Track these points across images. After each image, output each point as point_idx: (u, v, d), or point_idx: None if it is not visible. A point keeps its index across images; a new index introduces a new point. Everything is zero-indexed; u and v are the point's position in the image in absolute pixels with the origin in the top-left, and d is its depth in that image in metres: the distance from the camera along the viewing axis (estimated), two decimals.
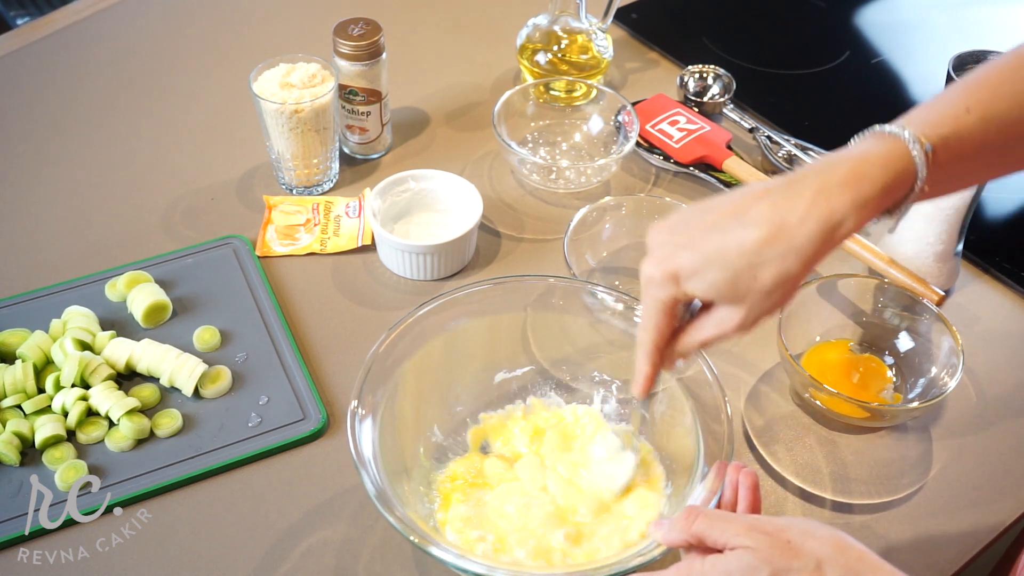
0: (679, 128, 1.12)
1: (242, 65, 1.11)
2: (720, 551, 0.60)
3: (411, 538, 0.66)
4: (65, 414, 0.83)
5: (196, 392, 0.86)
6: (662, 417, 0.80)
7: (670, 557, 0.65)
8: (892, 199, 0.60)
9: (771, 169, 1.10)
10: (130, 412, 0.83)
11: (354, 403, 0.72)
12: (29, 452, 0.82)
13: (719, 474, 0.68)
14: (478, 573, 0.65)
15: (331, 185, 1.09)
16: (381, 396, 0.75)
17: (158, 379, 0.87)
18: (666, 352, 0.67)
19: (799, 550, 0.58)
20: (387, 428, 0.75)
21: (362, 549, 0.77)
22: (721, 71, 1.19)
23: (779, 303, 0.61)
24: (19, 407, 0.83)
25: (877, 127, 0.62)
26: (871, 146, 0.60)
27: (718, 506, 0.67)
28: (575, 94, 1.17)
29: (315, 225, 1.03)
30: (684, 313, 0.66)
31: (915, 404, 0.85)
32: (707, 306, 0.64)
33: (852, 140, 0.64)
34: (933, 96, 0.65)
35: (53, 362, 0.87)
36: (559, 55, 1.18)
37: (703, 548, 0.62)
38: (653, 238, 0.64)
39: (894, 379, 0.89)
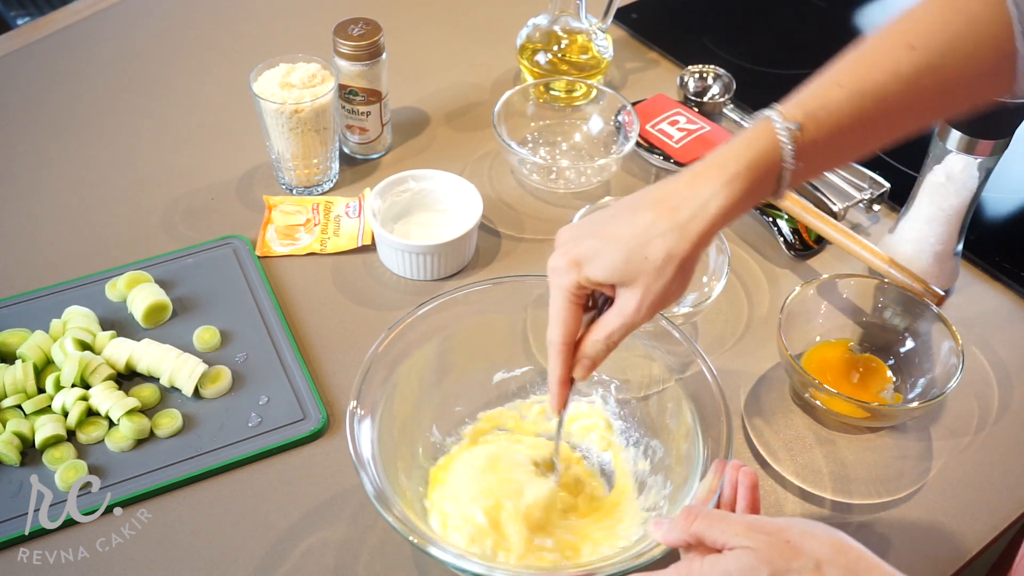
0: (679, 128, 1.12)
1: (242, 65, 1.11)
2: (719, 551, 0.60)
3: (410, 538, 0.66)
4: (65, 414, 0.83)
5: (196, 392, 0.86)
6: (661, 416, 0.80)
7: (669, 557, 0.65)
8: (761, 173, 0.64)
9: None
10: (130, 412, 0.83)
11: (353, 403, 0.72)
12: (29, 452, 0.82)
13: (718, 473, 0.68)
14: (477, 573, 0.65)
15: (331, 185, 1.09)
16: (380, 396, 0.75)
17: (158, 379, 0.87)
18: (576, 354, 0.69)
19: (798, 550, 0.58)
20: (386, 428, 0.75)
21: (362, 549, 0.77)
22: (721, 71, 1.19)
23: (672, 284, 0.65)
24: (19, 407, 0.84)
25: (759, 111, 0.66)
26: (743, 133, 0.65)
27: (717, 506, 0.67)
28: (575, 94, 1.17)
29: (315, 225, 1.03)
30: (591, 315, 0.69)
31: (915, 404, 0.85)
32: (610, 302, 0.68)
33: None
34: (816, 74, 0.67)
35: (53, 362, 0.87)
36: (559, 55, 1.18)
37: (702, 548, 0.62)
38: (559, 236, 0.68)
39: (894, 379, 0.89)
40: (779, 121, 0.64)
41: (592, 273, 0.65)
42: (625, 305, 0.66)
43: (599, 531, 0.75)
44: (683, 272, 0.64)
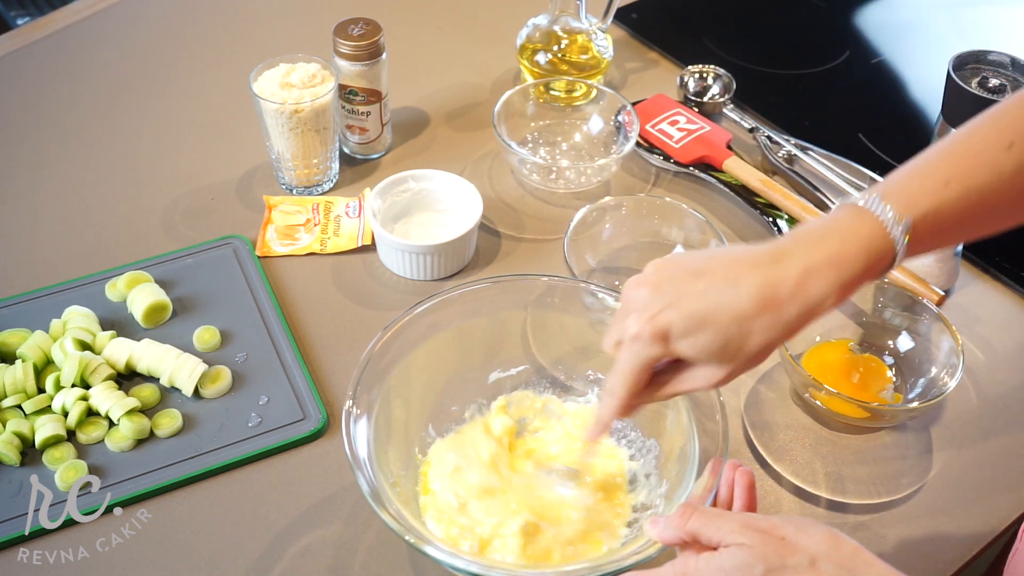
0: (679, 128, 1.12)
1: (242, 65, 1.11)
2: (715, 549, 0.60)
3: (406, 538, 0.66)
4: (65, 414, 0.83)
5: (196, 392, 0.86)
6: (658, 415, 0.80)
7: (665, 555, 0.65)
8: (872, 275, 0.63)
9: (771, 169, 1.10)
10: (130, 412, 0.83)
11: (349, 403, 0.72)
12: (29, 452, 0.82)
13: (714, 472, 0.69)
14: (473, 572, 0.65)
15: (331, 185, 1.09)
16: (377, 395, 0.75)
17: (158, 379, 0.87)
18: (635, 401, 0.67)
19: (793, 546, 0.58)
20: (382, 427, 0.75)
21: (358, 548, 0.77)
22: (721, 71, 1.19)
23: (756, 364, 0.63)
24: (19, 407, 0.84)
25: (858, 200, 0.63)
26: (852, 224, 0.62)
27: (714, 504, 0.67)
28: (575, 94, 1.17)
29: (315, 225, 1.03)
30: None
31: (915, 404, 0.85)
32: (678, 360, 0.65)
33: (832, 206, 0.65)
34: (913, 162, 0.65)
35: (53, 362, 0.87)
36: (559, 55, 1.18)
37: (698, 546, 0.62)
38: (633, 295, 0.64)
39: (894, 379, 0.89)
40: (893, 224, 0.61)
41: (681, 349, 0.62)
42: (710, 376, 0.63)
43: (594, 530, 0.75)
44: (770, 355, 0.63)
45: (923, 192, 0.62)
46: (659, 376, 0.66)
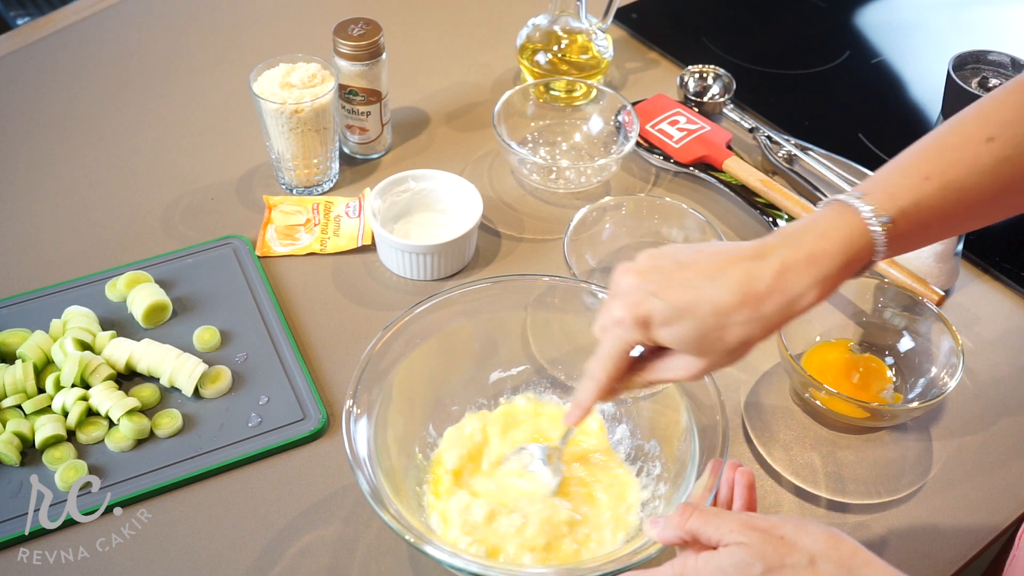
0: (679, 128, 1.12)
1: (242, 65, 1.11)
2: (714, 548, 0.60)
3: (406, 537, 0.66)
4: (65, 414, 0.83)
5: (196, 392, 0.86)
6: (658, 415, 0.80)
7: (665, 554, 0.65)
8: (853, 270, 0.63)
9: (771, 169, 1.10)
10: (130, 412, 0.83)
11: (349, 402, 0.72)
12: (29, 452, 0.82)
13: (714, 472, 0.69)
14: (473, 572, 0.65)
15: (331, 185, 1.09)
16: (377, 395, 0.75)
17: (158, 379, 0.87)
18: (615, 386, 0.68)
19: (793, 545, 0.58)
20: (382, 427, 0.75)
21: (358, 547, 0.77)
22: (721, 71, 1.19)
23: (735, 360, 0.64)
24: (19, 407, 0.84)
25: (839, 197, 0.63)
26: (833, 220, 0.63)
27: (714, 504, 0.67)
28: (575, 94, 1.17)
29: (315, 225, 1.03)
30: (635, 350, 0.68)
31: (915, 404, 0.85)
32: (660, 349, 0.66)
33: (816, 205, 0.65)
34: (896, 158, 0.65)
35: (53, 362, 0.87)
36: (559, 55, 1.18)
37: (697, 545, 0.62)
38: (621, 281, 0.65)
39: (894, 379, 0.89)
40: (873, 219, 0.61)
41: (661, 338, 0.63)
42: (685, 367, 0.65)
43: (596, 529, 0.75)
44: (748, 351, 0.64)
45: (903, 188, 0.63)
46: (640, 363, 0.67)
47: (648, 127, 1.12)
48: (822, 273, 0.61)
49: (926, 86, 1.26)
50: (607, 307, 0.65)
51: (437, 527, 0.74)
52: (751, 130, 1.15)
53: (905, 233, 0.63)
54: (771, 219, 1.03)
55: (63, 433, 0.82)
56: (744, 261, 0.62)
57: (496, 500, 0.76)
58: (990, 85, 1.05)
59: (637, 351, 0.67)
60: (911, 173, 0.63)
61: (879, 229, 0.61)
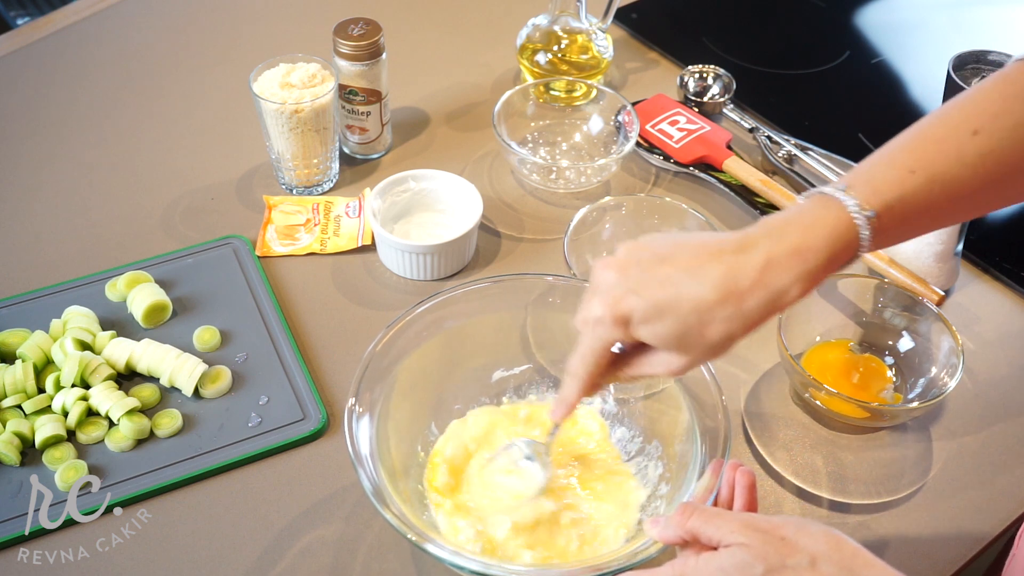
0: (679, 128, 1.12)
1: (242, 65, 1.11)
2: (715, 548, 0.60)
3: (408, 536, 0.66)
4: (65, 414, 0.83)
5: (196, 392, 0.86)
6: (660, 416, 0.80)
7: (666, 554, 0.65)
8: (836, 265, 0.62)
9: (771, 169, 1.10)
10: (130, 412, 0.83)
11: (351, 401, 0.72)
12: (29, 452, 0.82)
13: (715, 472, 0.69)
14: (474, 570, 0.65)
15: (331, 185, 1.09)
16: (379, 394, 0.75)
17: (158, 379, 0.87)
18: (597, 381, 0.68)
19: (794, 546, 0.58)
20: (384, 426, 0.75)
21: (359, 547, 0.77)
22: (721, 71, 1.19)
23: (718, 356, 0.63)
24: (19, 407, 0.84)
25: (823, 189, 0.63)
26: (817, 214, 0.62)
27: (714, 504, 0.67)
28: (575, 94, 1.17)
29: (315, 225, 1.03)
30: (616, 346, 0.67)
31: (915, 404, 0.85)
32: (642, 344, 0.65)
33: (798, 198, 0.65)
34: (880, 150, 0.65)
35: (53, 362, 0.87)
36: (559, 55, 1.18)
37: (698, 545, 0.62)
38: (600, 276, 0.64)
39: (894, 379, 0.89)
40: (858, 212, 0.61)
41: (641, 336, 0.62)
42: (667, 363, 0.64)
43: (596, 528, 0.75)
44: (731, 347, 0.62)
45: (888, 181, 0.62)
46: (622, 358, 0.67)
47: (648, 127, 1.12)
48: (806, 268, 0.60)
49: (926, 86, 1.26)
50: (587, 303, 0.64)
51: (444, 527, 0.74)
52: (751, 130, 1.15)
53: (889, 227, 0.62)
54: None
55: (63, 433, 0.82)
56: (726, 255, 0.61)
57: (486, 497, 0.76)
58: None
59: (618, 347, 0.67)
60: (896, 166, 0.63)
61: (864, 224, 0.61)
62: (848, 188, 0.62)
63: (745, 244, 0.61)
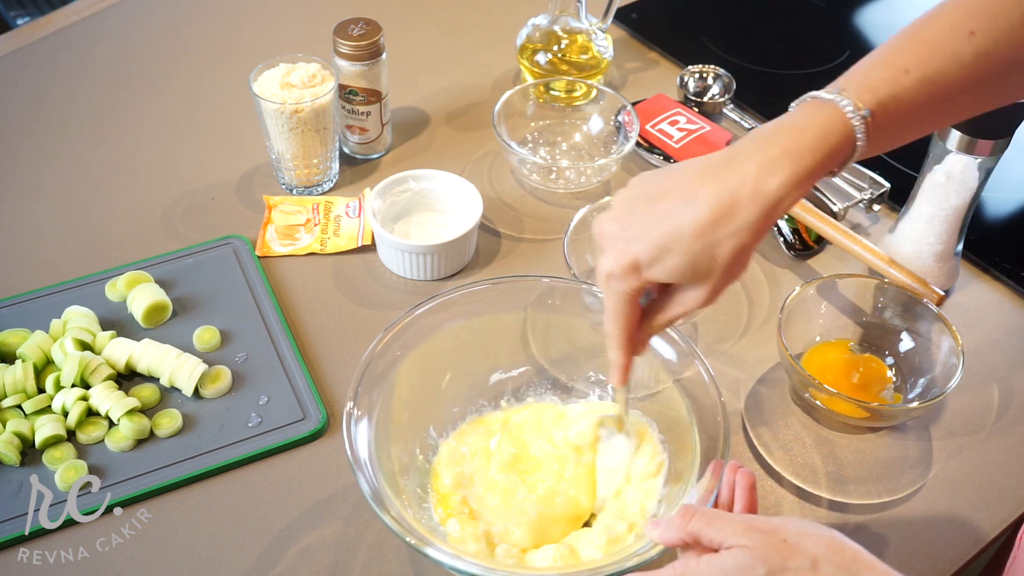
0: (679, 128, 1.12)
1: (242, 65, 1.11)
2: (716, 550, 0.60)
3: (407, 539, 0.66)
4: (65, 414, 0.83)
5: (196, 392, 0.86)
6: (659, 417, 0.80)
7: (666, 556, 0.65)
8: (832, 165, 0.62)
9: None
10: (130, 412, 0.83)
11: (350, 404, 0.72)
12: (29, 452, 0.82)
13: (715, 474, 0.69)
14: (474, 574, 0.65)
15: (331, 185, 1.09)
16: (377, 396, 0.75)
17: (158, 379, 0.87)
18: (636, 338, 0.68)
19: (795, 549, 0.58)
20: (383, 428, 0.75)
21: (359, 548, 0.77)
22: (721, 71, 1.19)
23: (738, 273, 0.63)
24: (19, 407, 0.84)
25: (815, 93, 0.62)
26: (810, 116, 0.61)
27: (715, 506, 0.67)
28: (575, 94, 1.17)
29: (315, 225, 1.03)
30: (644, 297, 0.67)
31: (915, 404, 0.85)
32: (666, 285, 0.65)
33: (791, 106, 0.64)
34: (873, 53, 0.64)
35: (53, 362, 0.87)
36: (559, 55, 1.18)
37: (699, 547, 0.62)
38: (602, 230, 0.64)
39: (894, 379, 0.89)
40: (853, 111, 0.60)
41: (655, 276, 0.62)
42: (691, 297, 0.63)
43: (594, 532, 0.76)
44: (747, 261, 0.62)
45: (882, 80, 0.62)
46: (652, 306, 0.67)
47: (648, 127, 1.12)
48: (804, 168, 0.60)
49: None
50: (599, 263, 0.65)
51: (450, 529, 0.74)
52: (751, 130, 1.15)
53: (884, 126, 0.62)
54: None
55: (63, 433, 0.82)
56: (716, 175, 0.61)
57: (497, 496, 0.76)
58: None
59: (646, 298, 0.67)
60: (892, 66, 0.63)
61: (859, 123, 0.60)
62: (842, 90, 0.62)
63: (735, 156, 0.61)
